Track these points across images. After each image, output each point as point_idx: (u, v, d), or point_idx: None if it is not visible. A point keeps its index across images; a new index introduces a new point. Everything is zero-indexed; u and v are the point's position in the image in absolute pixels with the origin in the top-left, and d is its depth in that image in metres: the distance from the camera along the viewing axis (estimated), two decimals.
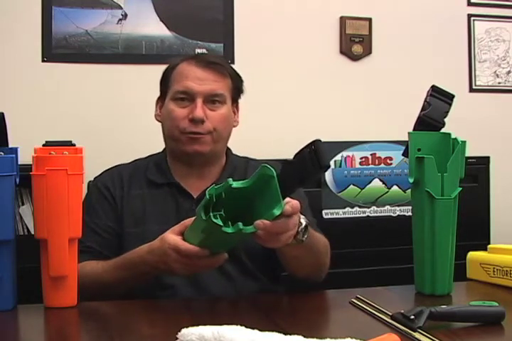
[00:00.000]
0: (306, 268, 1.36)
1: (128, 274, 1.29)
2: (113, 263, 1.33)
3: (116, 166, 1.57)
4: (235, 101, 1.55)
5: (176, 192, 1.49)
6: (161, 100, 1.55)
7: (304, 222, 1.20)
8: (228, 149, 1.58)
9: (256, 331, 0.87)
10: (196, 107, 1.45)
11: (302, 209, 1.14)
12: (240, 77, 1.55)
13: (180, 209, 1.46)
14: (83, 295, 1.24)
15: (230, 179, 1.07)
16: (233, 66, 1.48)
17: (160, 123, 1.54)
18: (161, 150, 1.58)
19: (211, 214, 1.04)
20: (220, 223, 1.04)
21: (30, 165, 1.17)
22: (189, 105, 1.46)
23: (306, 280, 1.40)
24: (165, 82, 1.54)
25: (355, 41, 2.63)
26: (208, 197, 1.06)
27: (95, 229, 1.45)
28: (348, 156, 2.29)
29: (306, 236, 1.20)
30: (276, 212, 1.03)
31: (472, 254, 1.42)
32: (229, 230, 1.05)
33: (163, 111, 1.53)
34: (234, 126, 1.55)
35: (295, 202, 1.09)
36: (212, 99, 1.47)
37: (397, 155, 2.31)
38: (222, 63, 1.52)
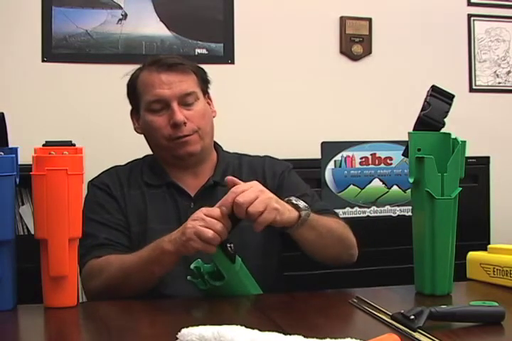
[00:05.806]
0: (329, 249, 1.39)
1: (149, 258, 1.27)
2: (136, 252, 1.31)
3: (112, 167, 1.58)
4: (205, 93, 1.56)
5: (174, 192, 1.50)
6: (135, 113, 1.57)
7: (299, 202, 1.28)
8: (218, 145, 1.60)
9: (256, 331, 0.87)
10: (174, 112, 1.46)
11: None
12: (201, 68, 1.56)
13: (179, 208, 1.47)
14: (110, 288, 1.25)
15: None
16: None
17: (142, 135, 1.56)
18: None
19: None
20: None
21: (30, 165, 1.17)
22: (166, 112, 1.47)
23: (338, 263, 1.44)
24: (133, 94, 1.55)
25: (355, 41, 2.63)
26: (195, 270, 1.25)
27: (107, 223, 1.44)
28: (348, 156, 2.29)
29: (306, 214, 1.28)
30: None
31: (472, 254, 1.42)
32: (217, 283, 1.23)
33: (141, 123, 1.54)
34: (213, 117, 1.57)
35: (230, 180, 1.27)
36: (185, 100, 1.48)
37: (397, 155, 2.31)
38: (181, 62, 1.53)
